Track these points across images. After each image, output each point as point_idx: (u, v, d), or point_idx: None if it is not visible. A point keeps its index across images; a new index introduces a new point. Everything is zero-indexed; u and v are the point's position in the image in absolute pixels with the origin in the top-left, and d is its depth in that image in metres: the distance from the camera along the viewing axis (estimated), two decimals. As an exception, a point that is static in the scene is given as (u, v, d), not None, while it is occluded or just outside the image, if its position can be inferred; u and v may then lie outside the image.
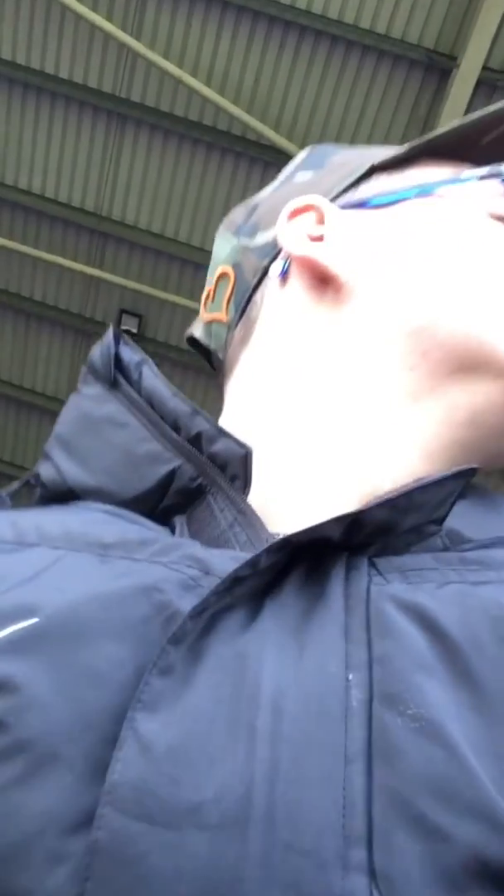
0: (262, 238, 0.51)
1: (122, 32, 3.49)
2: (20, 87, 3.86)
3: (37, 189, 4.17)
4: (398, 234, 0.47)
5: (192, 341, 0.56)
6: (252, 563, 0.33)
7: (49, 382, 4.98)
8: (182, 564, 0.35)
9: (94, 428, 0.45)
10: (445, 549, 0.38)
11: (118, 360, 0.46)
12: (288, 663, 0.31)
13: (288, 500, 0.43)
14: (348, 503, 0.41)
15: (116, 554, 0.37)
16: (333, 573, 0.34)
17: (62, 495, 0.45)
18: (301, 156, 0.55)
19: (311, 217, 0.48)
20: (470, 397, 0.44)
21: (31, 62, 3.76)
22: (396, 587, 0.34)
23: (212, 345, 0.54)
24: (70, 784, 0.29)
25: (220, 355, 0.53)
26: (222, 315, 0.52)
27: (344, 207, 0.49)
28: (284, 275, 0.49)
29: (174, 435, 0.42)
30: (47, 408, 5.03)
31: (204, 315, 0.55)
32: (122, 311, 4.54)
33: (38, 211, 4.25)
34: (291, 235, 0.48)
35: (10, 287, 4.61)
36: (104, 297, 4.52)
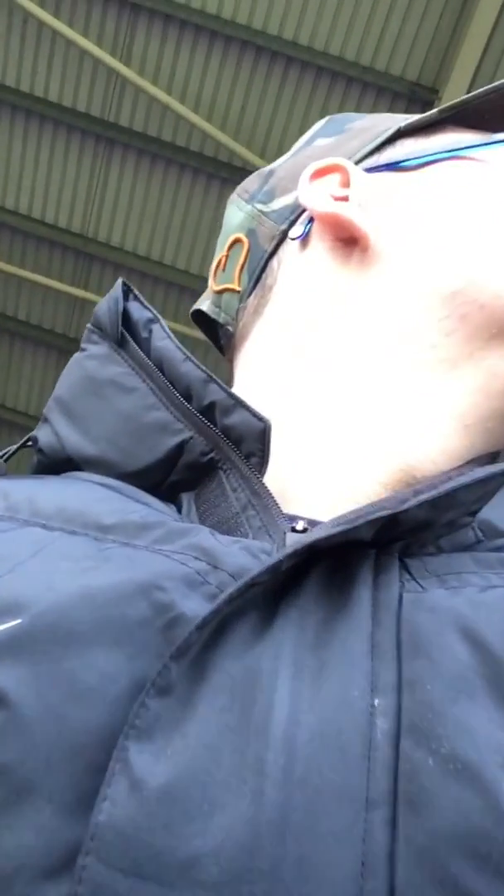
0: (279, 203, 0.47)
1: (111, 58, 3.53)
2: (9, 109, 3.88)
3: (24, 210, 4.18)
4: (431, 195, 0.44)
5: (198, 317, 0.52)
6: (272, 570, 0.29)
7: (32, 401, 4.96)
8: (188, 556, 0.31)
9: (97, 391, 0.40)
10: (478, 541, 0.35)
11: (126, 316, 0.42)
12: (304, 685, 0.27)
13: (308, 480, 0.38)
14: (375, 482, 0.38)
15: (115, 539, 0.32)
16: (360, 576, 0.30)
17: (61, 463, 0.41)
18: (319, 124, 0.52)
19: (335, 178, 0.45)
20: None
21: (21, 85, 3.79)
22: (433, 595, 0.30)
23: (221, 317, 0.49)
24: (48, 819, 0.24)
25: (230, 328, 0.49)
26: (234, 284, 0.48)
27: (369, 170, 0.46)
28: (305, 237, 0.45)
29: (185, 404, 0.38)
30: (29, 426, 4.99)
31: (213, 286, 0.50)
32: (107, 332, 4.53)
33: (25, 231, 4.25)
34: (314, 195, 0.44)
35: (-6, 306, 4.61)
36: (89, 318, 4.51)
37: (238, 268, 0.48)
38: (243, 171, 3.79)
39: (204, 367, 0.38)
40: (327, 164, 0.45)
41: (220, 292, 0.49)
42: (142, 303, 0.42)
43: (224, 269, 0.49)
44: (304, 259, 0.45)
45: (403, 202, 0.44)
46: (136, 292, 0.43)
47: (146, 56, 3.60)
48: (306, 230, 0.45)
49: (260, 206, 0.48)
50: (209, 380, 0.37)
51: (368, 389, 0.40)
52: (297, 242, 0.45)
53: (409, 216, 0.43)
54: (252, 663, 0.27)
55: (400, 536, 0.32)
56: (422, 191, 0.44)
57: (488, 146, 0.45)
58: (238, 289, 0.48)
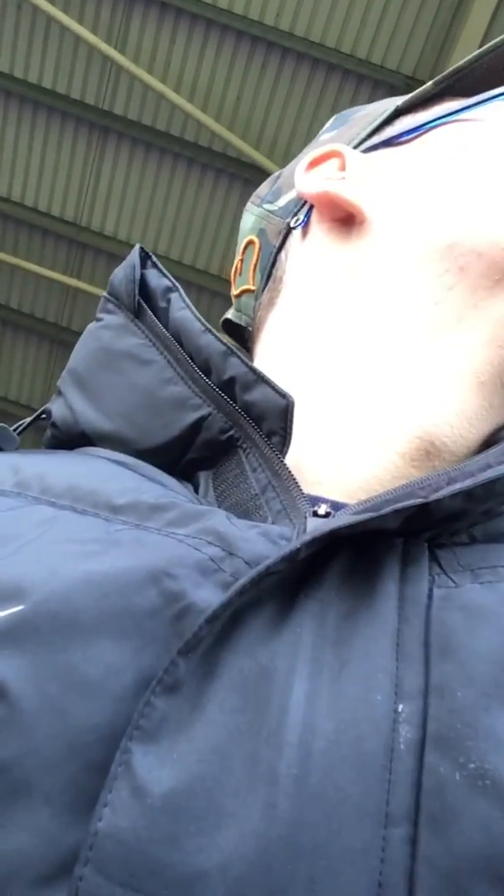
0: (284, 199, 0.47)
1: (106, 45, 3.51)
2: (2, 95, 3.85)
3: (16, 197, 4.15)
4: (422, 159, 0.43)
5: (228, 326, 0.51)
6: (288, 558, 0.27)
7: (24, 391, 4.94)
8: (201, 540, 0.29)
9: (112, 364, 0.39)
10: None
11: (143, 285, 0.40)
12: (322, 686, 0.25)
13: (327, 459, 0.37)
14: (393, 454, 0.36)
15: (125, 520, 0.30)
16: (386, 568, 0.28)
17: (75, 438, 0.39)
18: (328, 123, 0.52)
19: (333, 164, 0.45)
20: None
21: (15, 71, 3.75)
22: (466, 591, 0.28)
23: (242, 319, 0.49)
24: (46, 821, 0.23)
25: (251, 328, 0.48)
26: (250, 284, 0.48)
27: (367, 151, 0.46)
28: (306, 224, 0.45)
29: (203, 378, 0.36)
30: (20, 415, 4.97)
31: (233, 292, 0.50)
32: (99, 322, 4.51)
33: (17, 219, 4.22)
34: (308, 181, 0.44)
35: (-14, 294, 4.58)
36: (81, 307, 4.50)
37: (252, 268, 0.48)
38: (238, 162, 3.78)
39: (224, 340, 0.37)
40: (324, 151, 0.45)
41: (238, 296, 0.49)
42: (160, 270, 0.40)
43: (241, 273, 0.49)
44: (307, 245, 0.45)
45: (395, 171, 0.44)
46: (154, 259, 0.41)
47: (141, 44, 3.58)
48: (306, 217, 0.45)
49: (268, 207, 0.48)
50: (230, 353, 0.36)
51: (379, 358, 0.39)
52: (299, 231, 0.45)
53: (401, 182, 0.43)
54: (267, 661, 0.25)
55: (430, 526, 0.30)
56: (413, 158, 0.44)
57: (479, 105, 0.44)
58: (253, 288, 0.48)
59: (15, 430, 0.40)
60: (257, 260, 0.47)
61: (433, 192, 0.41)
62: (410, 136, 0.45)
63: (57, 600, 0.26)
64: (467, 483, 0.29)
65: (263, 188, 0.51)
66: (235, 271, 0.50)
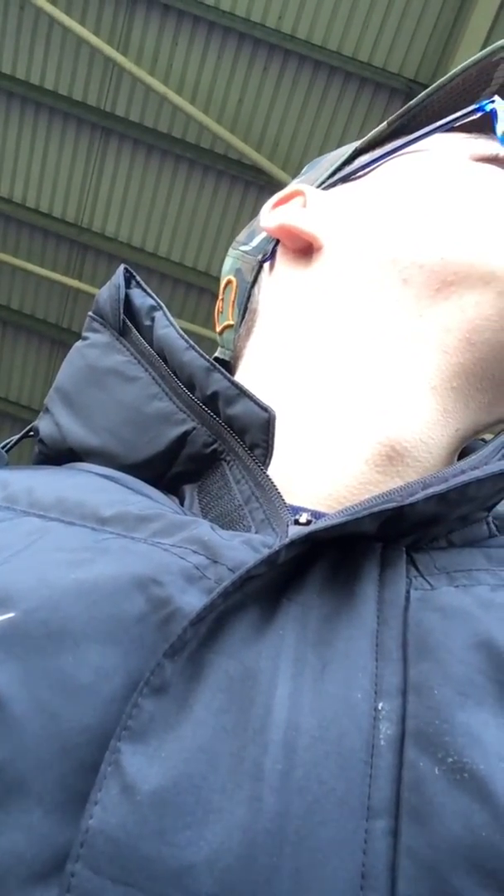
0: (257, 240, 0.51)
1: (108, 47, 3.51)
2: (4, 95, 3.86)
3: (17, 198, 4.16)
4: (369, 188, 0.47)
5: (219, 364, 0.53)
6: (269, 561, 0.28)
7: (24, 392, 4.94)
8: (186, 549, 0.30)
9: (98, 381, 0.40)
10: (491, 535, 0.34)
11: (128, 304, 0.41)
12: (305, 685, 0.26)
13: (305, 470, 0.38)
14: (360, 461, 0.38)
15: (113, 531, 0.31)
16: (365, 571, 0.29)
17: (63, 454, 0.40)
18: (303, 169, 0.56)
19: (297, 202, 0.48)
20: (460, 314, 0.40)
21: (17, 72, 3.76)
22: (442, 593, 0.29)
23: (226, 354, 0.52)
24: (39, 820, 0.24)
25: (232, 360, 0.51)
26: (230, 320, 0.51)
27: (328, 188, 0.49)
28: (272, 258, 0.48)
29: (187, 393, 0.37)
30: (20, 416, 4.98)
31: (217, 329, 0.54)
32: (100, 323, 4.51)
33: (19, 220, 4.23)
34: (271, 216, 0.47)
35: (-14, 295, 4.59)
36: (82, 308, 4.50)
37: (231, 305, 0.51)
38: (240, 164, 3.78)
39: (207, 356, 0.38)
40: (288, 191, 0.49)
41: (221, 332, 0.52)
42: (144, 290, 0.42)
43: (222, 311, 0.52)
44: (274, 276, 0.48)
45: (347, 202, 0.47)
46: (139, 279, 0.42)
47: (143, 45, 3.58)
48: (271, 251, 0.49)
49: (243, 248, 0.52)
50: (212, 368, 0.37)
51: (342, 371, 0.41)
52: (267, 265, 0.49)
53: (351, 210, 0.46)
54: (251, 662, 0.26)
55: (408, 531, 0.31)
56: (363, 189, 0.47)
57: (423, 137, 0.47)
58: (233, 323, 0.51)
59: (3, 448, 0.41)
60: (235, 297, 0.50)
61: (378, 215, 0.44)
62: (364, 171, 0.48)
63: (47, 608, 0.27)
64: (440, 487, 0.30)
65: (241, 234, 0.54)
66: (217, 311, 0.53)
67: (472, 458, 0.34)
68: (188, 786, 0.24)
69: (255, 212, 0.58)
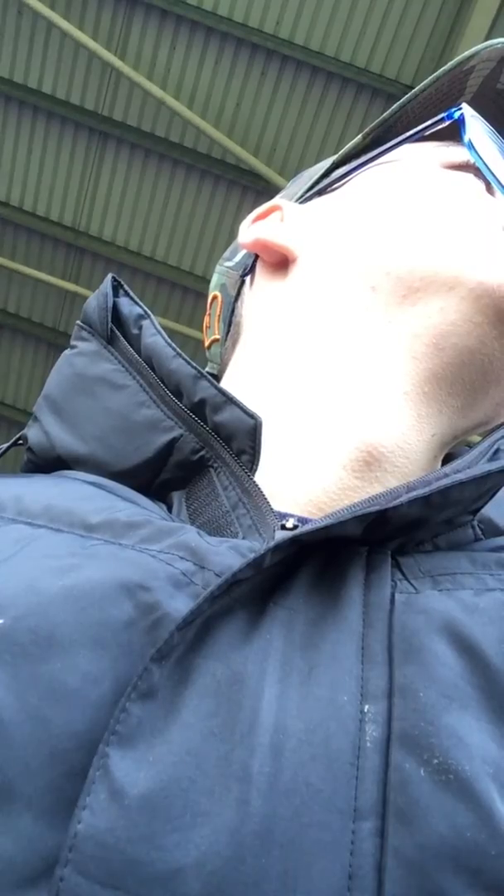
0: (239, 255, 0.52)
1: (106, 51, 3.52)
2: (2, 99, 3.86)
3: (15, 201, 4.16)
4: (341, 200, 0.48)
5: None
6: (254, 564, 0.28)
7: (20, 395, 4.94)
8: (173, 556, 0.30)
9: (87, 389, 0.40)
10: (476, 539, 0.34)
11: (116, 313, 0.42)
12: (292, 689, 0.26)
13: (289, 476, 0.38)
14: (338, 466, 0.38)
15: (100, 537, 0.31)
16: (351, 575, 0.29)
17: (51, 462, 0.40)
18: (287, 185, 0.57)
19: (275, 217, 0.49)
20: (426, 320, 0.40)
21: (15, 75, 3.76)
22: (426, 596, 0.29)
23: (215, 368, 0.53)
24: (28, 825, 0.24)
25: (220, 373, 0.52)
26: (216, 335, 0.53)
27: (305, 202, 0.50)
28: (252, 272, 0.50)
29: (175, 400, 0.38)
30: (16, 420, 4.97)
31: (205, 344, 0.55)
32: (96, 327, 4.51)
33: (16, 223, 4.23)
34: (248, 232, 0.48)
35: (-17, 298, 4.58)
36: (78, 312, 4.50)
37: (217, 320, 0.53)
38: (236, 169, 3.79)
39: (194, 364, 0.38)
40: (266, 207, 0.50)
41: (209, 347, 0.54)
42: (132, 298, 0.42)
43: (209, 326, 0.54)
44: (254, 289, 0.49)
45: (320, 214, 0.48)
46: (126, 288, 0.43)
47: (141, 50, 3.59)
48: (251, 265, 0.50)
49: (227, 264, 0.53)
50: (199, 376, 0.37)
51: (320, 378, 0.41)
52: (247, 279, 0.50)
53: (323, 221, 0.47)
54: (239, 666, 0.26)
55: (393, 535, 0.31)
56: (336, 201, 0.48)
57: (395, 148, 0.48)
58: (219, 337, 0.52)
59: None
60: (221, 311, 0.52)
61: (346, 225, 0.45)
62: (339, 184, 0.49)
63: (36, 614, 0.27)
64: (423, 490, 0.30)
65: (228, 250, 0.55)
66: (205, 326, 0.55)
67: (456, 462, 0.35)
68: (176, 789, 0.24)
69: (251, 216, 0.60)
